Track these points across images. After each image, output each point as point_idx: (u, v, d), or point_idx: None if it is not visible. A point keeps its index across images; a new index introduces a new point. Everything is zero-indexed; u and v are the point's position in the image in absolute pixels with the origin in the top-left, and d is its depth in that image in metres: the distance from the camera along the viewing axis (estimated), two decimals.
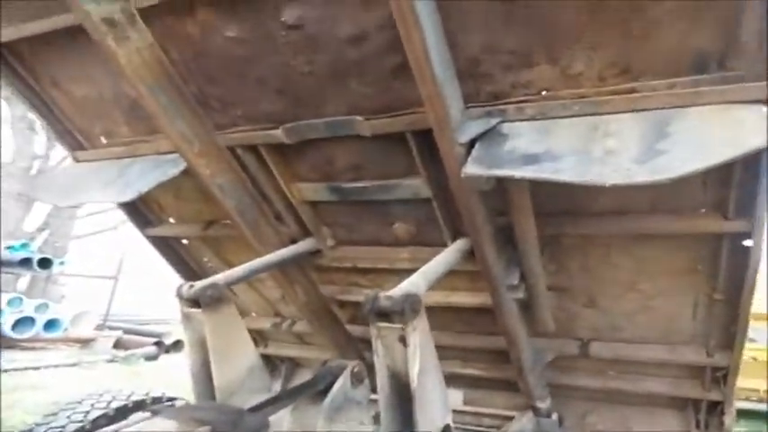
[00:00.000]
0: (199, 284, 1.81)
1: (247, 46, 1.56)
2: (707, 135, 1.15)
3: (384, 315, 1.41)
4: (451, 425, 1.56)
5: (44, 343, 9.54)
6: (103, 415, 2.56)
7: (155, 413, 1.45)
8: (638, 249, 1.79)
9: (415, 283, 1.50)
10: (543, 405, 2.35)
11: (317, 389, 1.75)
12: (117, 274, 11.20)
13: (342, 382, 1.73)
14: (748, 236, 1.51)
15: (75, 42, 1.76)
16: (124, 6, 1.53)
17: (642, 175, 1.14)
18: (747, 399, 6.24)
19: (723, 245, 1.62)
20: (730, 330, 1.86)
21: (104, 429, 2.19)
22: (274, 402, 1.66)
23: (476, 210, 1.56)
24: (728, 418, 2.27)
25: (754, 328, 7.39)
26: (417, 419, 1.39)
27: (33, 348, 9.24)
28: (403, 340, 1.40)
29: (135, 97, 1.78)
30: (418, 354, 1.41)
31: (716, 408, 2.28)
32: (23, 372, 7.31)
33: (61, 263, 10.33)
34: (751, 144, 1.07)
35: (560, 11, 1.23)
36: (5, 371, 7.10)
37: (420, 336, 1.42)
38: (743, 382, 6.27)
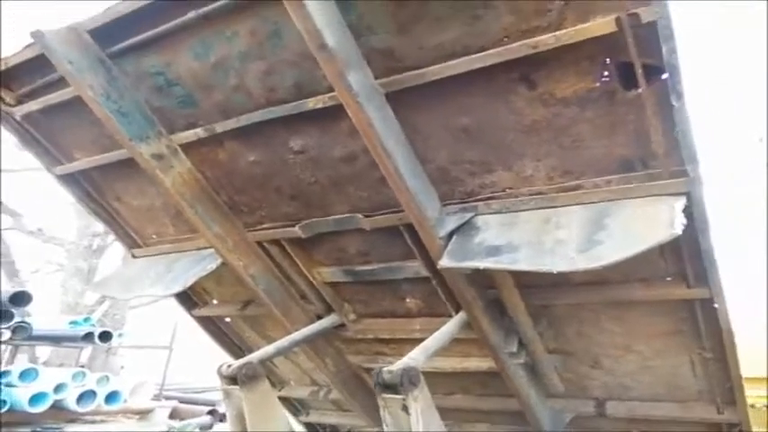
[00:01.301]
0: (235, 364, 2.18)
1: (265, 166, 1.99)
2: (632, 228, 1.42)
3: (388, 387, 1.71)
4: None
5: (105, 415, 10.16)
6: None
7: None
8: (625, 314, 2.01)
9: (414, 358, 1.80)
10: None
11: None
12: (171, 343, 11.86)
13: None
14: (711, 301, 1.73)
15: (131, 168, 2.25)
16: (168, 143, 2.01)
17: (582, 263, 1.42)
18: None
19: (696, 309, 1.83)
20: (727, 387, 2.01)
21: None
22: None
23: (464, 289, 1.87)
24: None
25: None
26: None
27: (94, 421, 9.85)
28: (405, 409, 1.69)
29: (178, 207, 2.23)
30: (421, 420, 1.69)
31: None
32: None
33: (120, 335, 11.12)
34: (662, 236, 1.34)
35: (504, 133, 1.58)
36: None
37: (421, 403, 1.71)
38: None
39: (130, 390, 11.68)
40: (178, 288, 2.35)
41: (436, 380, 2.60)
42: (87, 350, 13.01)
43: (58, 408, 9.60)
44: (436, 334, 1.95)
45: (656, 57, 1.27)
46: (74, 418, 9.59)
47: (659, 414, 2.31)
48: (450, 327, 2.01)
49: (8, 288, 11.50)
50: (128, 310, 12.82)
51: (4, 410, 8.89)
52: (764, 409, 5.96)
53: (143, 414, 10.70)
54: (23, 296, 8.71)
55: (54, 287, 12.32)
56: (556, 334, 2.16)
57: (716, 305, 1.73)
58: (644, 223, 1.41)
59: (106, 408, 10.52)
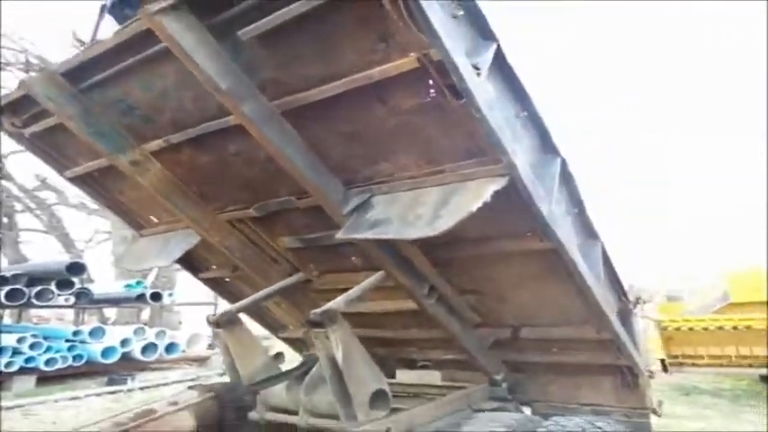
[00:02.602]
0: (218, 313, 2.75)
1: (215, 165, 2.45)
2: (461, 203, 1.83)
3: (316, 324, 2.23)
4: (386, 389, 2.33)
5: (168, 363, 11.38)
6: None
7: (192, 387, 2.38)
8: (511, 261, 2.43)
9: (336, 302, 2.30)
10: (498, 377, 3.00)
11: (302, 371, 2.60)
12: (216, 299, 12.88)
13: (317, 368, 2.55)
14: (557, 249, 2.13)
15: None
16: (141, 152, 2.49)
17: (425, 232, 1.84)
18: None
19: (557, 257, 2.23)
20: (596, 313, 2.43)
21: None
22: (272, 379, 2.54)
23: (372, 251, 2.33)
24: (642, 379, 2.80)
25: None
26: (348, 386, 2.19)
27: (160, 369, 11.08)
28: (328, 338, 2.21)
29: None
30: (340, 345, 2.21)
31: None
32: (156, 388, 9.00)
33: (170, 294, 12.20)
34: (472, 208, 1.74)
35: (376, 135, 1.98)
36: (141, 389, 8.86)
37: (340, 333, 2.22)
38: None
39: (187, 341, 12.93)
40: (171, 260, 2.91)
41: (382, 318, 3.13)
42: (147, 309, 14.32)
43: (127, 359, 10.88)
44: (359, 285, 2.44)
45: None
46: (142, 367, 10.85)
47: (560, 335, 2.77)
48: (371, 279, 2.49)
49: (66, 259, 12.68)
50: (175, 273, 13.93)
51: (81, 363, 10.16)
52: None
53: (201, 361, 11.92)
54: (78, 266, 9.73)
55: (107, 255, 13.34)
56: (462, 279, 2.61)
57: (561, 254, 2.13)
58: (469, 198, 1.81)
59: (168, 357, 11.78)
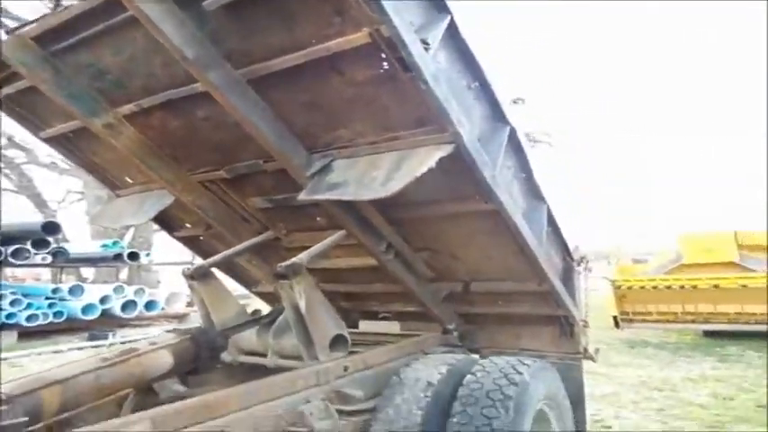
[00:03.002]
0: (192, 267, 2.91)
1: (186, 129, 2.55)
2: (411, 167, 2.00)
3: (281, 276, 2.42)
4: (346, 335, 2.55)
5: (148, 321, 11.55)
6: None
7: (170, 331, 2.57)
8: (460, 221, 2.62)
9: (300, 257, 2.48)
10: (451, 327, 3.25)
11: (272, 319, 2.80)
12: (193, 258, 12.95)
13: (284, 315, 2.74)
14: (499, 211, 2.33)
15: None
16: (114, 115, 2.57)
17: (378, 193, 2.01)
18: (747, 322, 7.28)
19: (500, 218, 2.43)
20: (537, 268, 2.68)
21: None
22: (244, 325, 2.74)
23: (333, 210, 2.49)
24: (576, 328, 3.09)
25: (757, 259, 8.20)
26: (310, 331, 2.40)
27: (140, 325, 11.25)
28: (292, 288, 2.40)
29: None
30: (303, 295, 2.41)
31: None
32: (136, 343, 9.20)
33: (147, 254, 12.24)
34: (418, 173, 1.92)
35: (336, 104, 2.11)
36: (123, 343, 9.02)
37: (303, 285, 2.41)
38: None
39: (166, 299, 13.08)
40: (146, 219, 3.04)
41: (347, 274, 3.34)
42: (126, 269, 14.34)
43: (107, 316, 11.00)
44: (323, 242, 2.62)
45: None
46: (122, 324, 11.00)
47: (506, 289, 3.01)
48: (333, 237, 2.67)
49: (40, 219, 12.53)
50: (152, 233, 13.92)
51: (62, 320, 10.23)
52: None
53: (180, 318, 12.11)
54: (53, 226, 9.68)
55: (81, 215, 13.20)
56: (416, 237, 2.81)
57: (503, 215, 2.34)
58: (417, 164, 1.98)
59: (147, 314, 11.93)
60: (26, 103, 2.80)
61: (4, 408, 1.51)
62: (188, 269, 2.95)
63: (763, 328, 7.55)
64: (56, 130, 2.92)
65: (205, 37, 1.96)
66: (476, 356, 2.73)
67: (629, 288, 8.36)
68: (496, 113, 2.52)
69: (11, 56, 2.24)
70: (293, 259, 2.45)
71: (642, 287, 8.28)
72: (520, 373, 2.18)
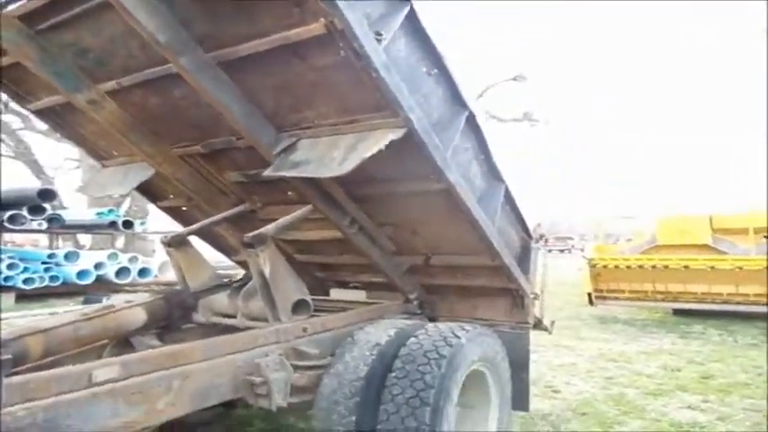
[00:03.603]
0: (169, 235, 3.10)
1: (165, 106, 2.69)
2: (365, 148, 2.16)
3: (248, 245, 2.61)
4: (308, 300, 2.76)
5: (141, 287, 11.80)
6: None
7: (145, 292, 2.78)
8: (418, 199, 2.79)
9: (267, 228, 2.67)
10: (412, 296, 3.46)
11: (242, 284, 3.01)
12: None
13: (252, 281, 2.94)
14: (449, 190, 2.52)
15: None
16: (97, 92, 2.71)
17: (335, 172, 2.19)
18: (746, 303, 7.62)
19: (453, 196, 2.61)
20: (487, 244, 2.88)
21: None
22: (215, 288, 2.95)
23: (299, 186, 2.67)
24: (526, 300, 3.31)
25: (730, 242, 8.45)
26: (274, 296, 2.60)
27: (134, 291, 11.49)
28: (257, 257, 2.59)
29: None
30: (268, 263, 2.60)
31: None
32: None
33: (142, 223, 12.40)
34: (369, 153, 2.09)
35: (300, 87, 2.25)
36: None
37: (268, 254, 2.60)
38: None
39: (159, 267, 13.30)
40: (128, 189, 3.21)
41: (320, 245, 3.53)
42: (121, 237, 14.51)
43: (101, 281, 11.22)
44: (290, 215, 2.80)
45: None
46: (116, 289, 11.25)
47: (462, 263, 3.20)
48: (300, 212, 2.85)
49: (37, 185, 12.63)
50: (147, 203, 14.05)
51: (58, 284, 10.45)
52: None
53: (172, 285, 12.32)
54: (49, 192, 9.81)
55: (77, 182, 13.29)
56: (378, 213, 2.99)
57: (452, 194, 2.53)
58: (371, 145, 2.15)
59: (141, 281, 12.17)
60: (14, 77, 2.92)
61: None
62: (166, 237, 3.14)
63: (728, 307, 7.87)
64: (43, 103, 3.05)
65: (177, 22, 2.09)
66: (425, 322, 2.94)
67: (605, 267, 8.63)
68: (455, 98, 2.67)
69: None
70: (260, 230, 2.63)
71: (616, 266, 8.54)
72: (457, 337, 2.40)
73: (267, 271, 2.58)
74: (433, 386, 2.16)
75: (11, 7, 2.39)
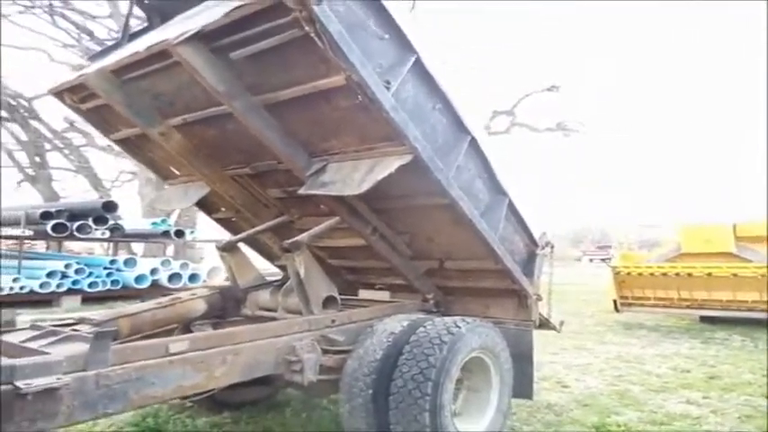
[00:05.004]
0: (223, 242, 3.68)
1: (220, 136, 3.26)
2: (381, 171, 2.64)
3: (287, 250, 3.14)
4: (336, 296, 3.26)
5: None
6: None
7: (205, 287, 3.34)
8: (428, 212, 3.25)
9: (302, 236, 3.19)
10: (429, 296, 3.91)
11: (281, 282, 3.54)
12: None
13: (292, 279, 3.46)
14: (453, 204, 2.96)
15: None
16: (167, 126, 3.31)
17: (356, 191, 2.68)
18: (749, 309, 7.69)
19: (458, 208, 3.05)
20: (490, 249, 3.30)
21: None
22: (259, 286, 3.50)
23: (328, 201, 3.18)
24: (528, 300, 3.69)
25: (754, 250, 8.48)
26: (307, 291, 3.11)
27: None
28: (294, 260, 3.12)
29: None
30: (303, 265, 3.12)
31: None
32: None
33: (192, 232, 13.32)
34: (381, 175, 2.57)
35: (328, 122, 2.76)
36: None
37: (303, 258, 3.12)
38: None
39: (207, 273, 14.18)
40: (189, 204, 3.82)
41: (350, 251, 4.03)
42: (172, 245, 15.54)
43: (156, 286, 12.13)
44: (320, 225, 3.32)
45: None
46: (168, 293, 12.10)
47: (472, 267, 3.63)
48: (328, 222, 3.34)
49: (96, 197, 13.77)
50: (196, 214, 15.04)
51: (118, 287, 11.40)
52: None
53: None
54: (112, 205, 10.79)
55: (133, 194, 14.36)
56: (397, 223, 3.46)
57: (456, 208, 2.97)
58: (384, 169, 2.63)
59: (191, 285, 13.02)
60: (101, 114, 3.59)
61: (98, 328, 2.29)
62: (220, 243, 3.72)
63: (753, 315, 7.87)
64: (122, 134, 3.70)
65: (232, 75, 2.65)
66: (434, 317, 3.36)
67: (628, 274, 8.77)
68: (458, 126, 3.12)
69: (94, 84, 3.00)
70: (296, 238, 3.16)
71: (640, 273, 8.67)
72: (458, 327, 2.84)
73: (302, 272, 3.10)
74: (435, 366, 2.61)
75: (105, 62, 3.02)
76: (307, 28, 2.15)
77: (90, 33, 15.31)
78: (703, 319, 8.85)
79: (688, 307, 8.48)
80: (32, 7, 15.55)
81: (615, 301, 9.07)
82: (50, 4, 15.50)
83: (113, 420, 3.54)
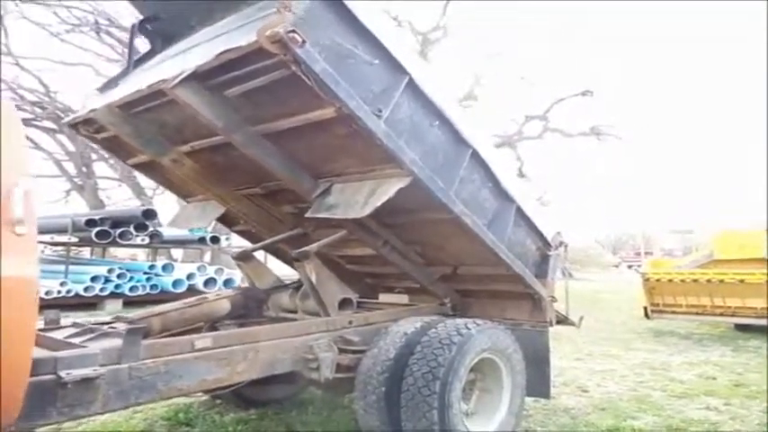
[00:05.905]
0: (238, 251, 3.87)
1: (228, 161, 3.30)
2: (383, 193, 2.70)
3: (296, 259, 3.28)
4: (352, 298, 3.38)
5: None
6: None
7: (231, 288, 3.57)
8: (437, 225, 3.23)
9: (310, 246, 3.28)
10: (446, 300, 3.92)
11: (299, 285, 3.68)
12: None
13: (305, 284, 3.59)
14: (456, 219, 3.01)
15: None
16: (177, 153, 3.43)
17: (358, 214, 2.71)
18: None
19: (463, 222, 3.08)
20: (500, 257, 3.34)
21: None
22: (277, 288, 3.67)
23: (339, 221, 3.29)
24: (543, 303, 3.70)
25: None
26: (321, 295, 3.23)
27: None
28: (305, 268, 3.26)
29: None
30: (313, 272, 3.23)
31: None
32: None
33: (227, 239, 13.78)
34: (384, 198, 2.66)
35: (328, 148, 2.80)
36: None
37: (313, 265, 3.23)
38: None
39: (241, 278, 14.54)
40: (207, 223, 4.03)
41: (369, 258, 4.07)
42: (209, 251, 16.10)
43: (192, 290, 12.61)
44: (327, 238, 3.44)
45: None
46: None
47: (484, 272, 3.61)
48: (334, 236, 3.39)
49: (137, 204, 14.40)
50: None
51: (157, 292, 11.94)
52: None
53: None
54: (151, 212, 11.34)
55: (172, 202, 14.91)
56: (406, 235, 3.50)
57: (459, 221, 3.03)
58: (385, 191, 2.67)
59: (225, 289, 13.40)
60: (115, 142, 3.65)
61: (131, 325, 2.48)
62: (234, 253, 3.95)
63: None
64: (138, 159, 3.79)
65: (230, 110, 2.69)
66: (446, 318, 3.32)
67: (658, 281, 8.49)
68: (458, 140, 3.08)
69: (103, 119, 3.13)
70: (304, 248, 3.29)
71: (670, 280, 8.38)
72: (468, 329, 2.92)
73: (313, 278, 3.24)
74: (444, 365, 2.72)
75: (112, 99, 3.16)
76: (293, 68, 2.20)
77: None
78: (738, 327, 8.46)
79: (721, 314, 8.07)
80: (79, 25, 16.47)
81: (645, 308, 8.80)
82: (96, 22, 16.34)
83: (147, 415, 3.78)
